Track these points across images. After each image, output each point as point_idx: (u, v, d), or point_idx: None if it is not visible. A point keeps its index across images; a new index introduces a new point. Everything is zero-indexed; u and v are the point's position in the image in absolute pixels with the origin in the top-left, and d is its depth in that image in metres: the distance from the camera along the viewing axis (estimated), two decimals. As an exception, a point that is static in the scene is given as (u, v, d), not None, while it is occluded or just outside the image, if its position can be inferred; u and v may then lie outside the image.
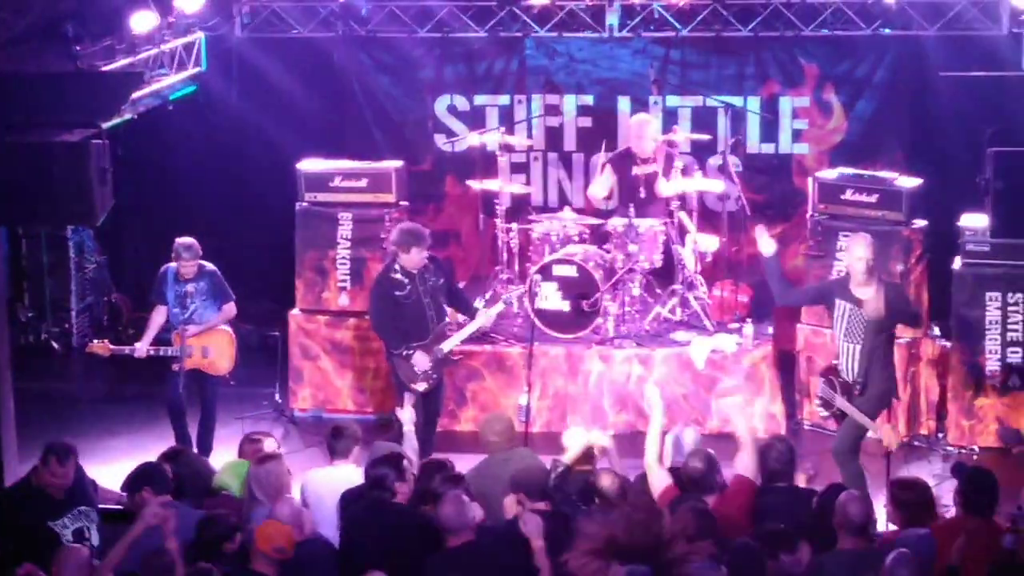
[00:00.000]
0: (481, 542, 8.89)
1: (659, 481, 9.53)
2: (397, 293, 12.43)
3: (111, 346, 13.09)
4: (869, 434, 11.33)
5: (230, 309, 13.11)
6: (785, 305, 12.89)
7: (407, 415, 11.24)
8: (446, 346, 12.53)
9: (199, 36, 15.43)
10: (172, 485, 9.72)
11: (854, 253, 11.24)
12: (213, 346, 12.98)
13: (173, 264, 12.93)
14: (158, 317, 12.99)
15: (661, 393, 10.16)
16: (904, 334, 13.03)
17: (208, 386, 13.10)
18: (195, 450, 13.12)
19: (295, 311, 14.63)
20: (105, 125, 12.77)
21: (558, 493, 9.58)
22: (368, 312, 13.18)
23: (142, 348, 12.92)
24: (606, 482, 9.39)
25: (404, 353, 12.45)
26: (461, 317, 13.21)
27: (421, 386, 12.46)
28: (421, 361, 12.43)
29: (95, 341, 13.21)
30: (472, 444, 10.84)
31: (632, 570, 7.23)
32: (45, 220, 12.94)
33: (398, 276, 12.43)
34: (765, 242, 11.54)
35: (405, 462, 9.67)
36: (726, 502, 9.32)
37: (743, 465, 9.61)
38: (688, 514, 8.49)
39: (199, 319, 12.93)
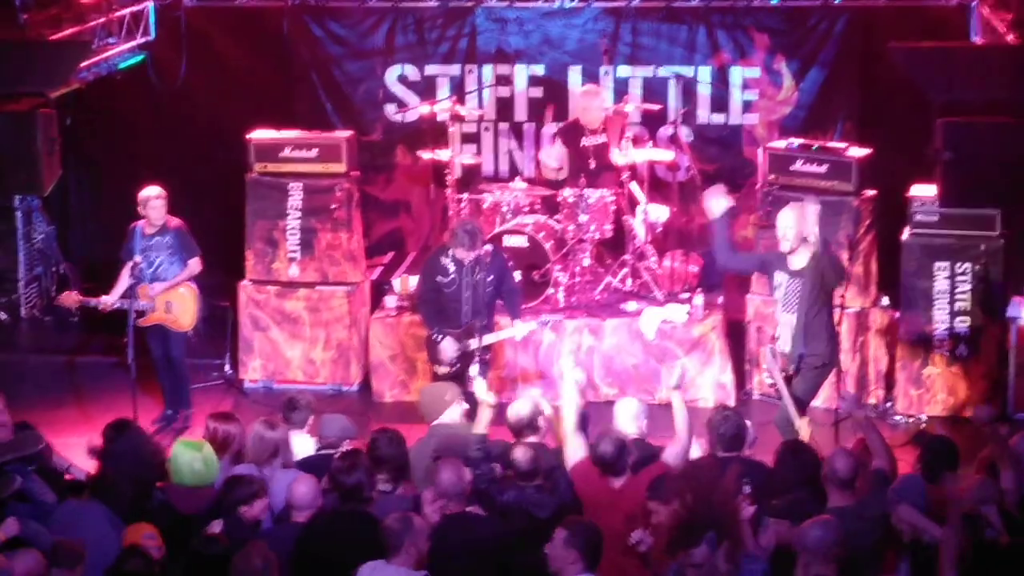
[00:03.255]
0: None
1: (575, 451, 9.53)
2: (439, 278, 12.29)
3: (79, 297, 13.02)
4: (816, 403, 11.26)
5: (195, 264, 13.13)
6: (727, 269, 12.77)
7: (486, 396, 10.55)
8: (475, 342, 12.23)
9: (148, 5, 15.29)
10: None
11: (780, 223, 11.23)
12: (176, 301, 12.99)
13: (141, 222, 12.91)
14: (128, 273, 12.92)
15: (577, 364, 9.98)
16: (853, 303, 13.09)
17: (173, 343, 13.11)
18: (168, 408, 13.15)
19: (245, 282, 14.56)
20: (53, 95, 12.72)
21: (482, 464, 9.58)
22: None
23: (110, 300, 12.86)
24: (518, 454, 9.38)
25: (434, 336, 12.36)
26: None
27: (443, 370, 12.37)
28: (448, 348, 12.28)
29: (64, 292, 13.16)
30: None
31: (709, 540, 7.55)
32: (-8, 190, 12.90)
33: (446, 262, 12.27)
34: (720, 202, 11.47)
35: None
36: (636, 484, 9.19)
37: (672, 456, 9.51)
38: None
39: (164, 275, 12.98)
